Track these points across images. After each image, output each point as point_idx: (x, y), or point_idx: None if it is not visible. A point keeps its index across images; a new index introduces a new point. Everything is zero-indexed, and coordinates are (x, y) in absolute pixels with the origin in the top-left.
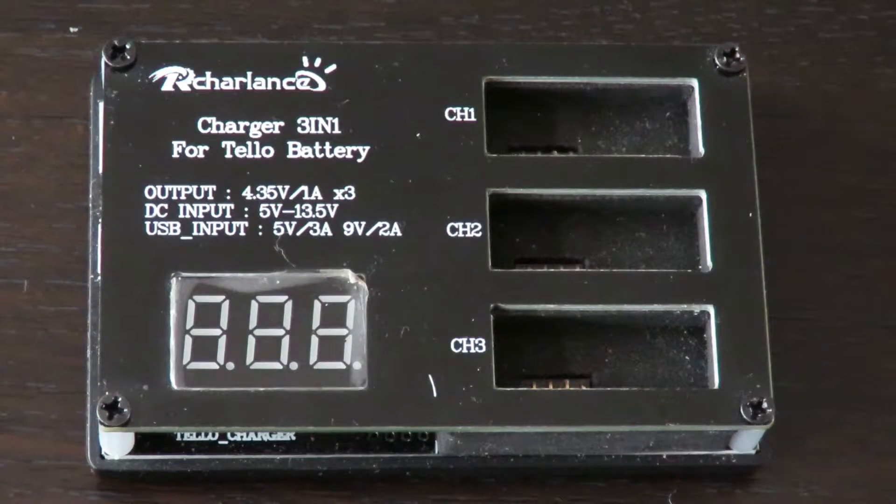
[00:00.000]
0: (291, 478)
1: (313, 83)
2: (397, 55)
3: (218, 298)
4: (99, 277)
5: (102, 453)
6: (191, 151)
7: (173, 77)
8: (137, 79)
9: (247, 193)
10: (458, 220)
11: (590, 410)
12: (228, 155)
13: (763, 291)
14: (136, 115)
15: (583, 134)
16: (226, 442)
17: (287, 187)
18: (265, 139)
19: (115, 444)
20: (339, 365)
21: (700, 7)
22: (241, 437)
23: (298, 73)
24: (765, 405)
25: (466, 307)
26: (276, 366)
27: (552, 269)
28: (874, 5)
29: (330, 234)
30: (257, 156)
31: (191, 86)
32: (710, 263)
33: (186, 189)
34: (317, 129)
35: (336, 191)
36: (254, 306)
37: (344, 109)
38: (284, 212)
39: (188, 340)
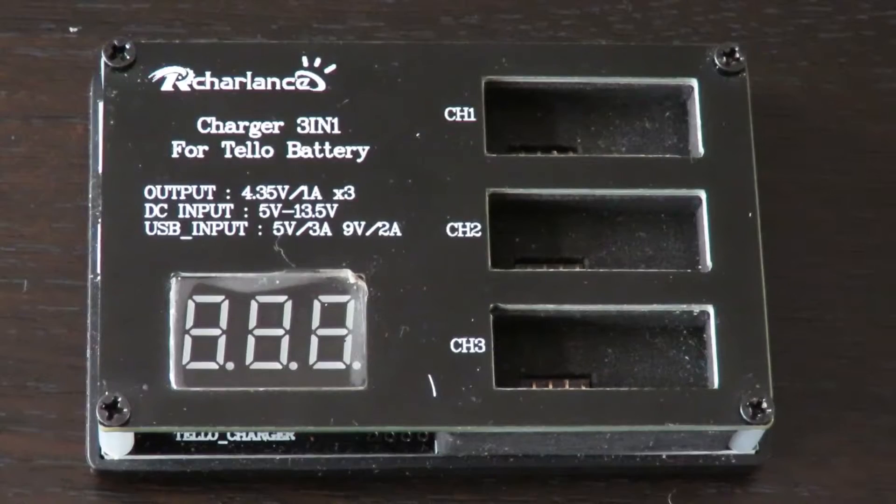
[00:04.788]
0: (291, 478)
1: (313, 83)
2: (397, 55)
3: (217, 298)
4: (99, 277)
5: (102, 453)
6: (190, 151)
7: (173, 77)
8: (137, 79)
9: (246, 193)
10: (457, 220)
11: (590, 410)
12: (228, 155)
13: (763, 291)
14: (136, 115)
15: (582, 134)
16: (225, 442)
17: (287, 187)
18: (265, 139)
19: (115, 444)
20: (338, 365)
21: (700, 7)
22: (241, 437)
23: (298, 73)
24: (764, 405)
25: (466, 307)
26: (275, 366)
27: (552, 269)
28: (874, 5)
29: (329, 234)
30: (257, 156)
31: (190, 86)
32: (709, 263)
33: (186, 189)
34: (316, 128)
35: (336, 191)
36: (253, 306)
37: (343, 109)
38: (284, 212)
39: (188, 340)
